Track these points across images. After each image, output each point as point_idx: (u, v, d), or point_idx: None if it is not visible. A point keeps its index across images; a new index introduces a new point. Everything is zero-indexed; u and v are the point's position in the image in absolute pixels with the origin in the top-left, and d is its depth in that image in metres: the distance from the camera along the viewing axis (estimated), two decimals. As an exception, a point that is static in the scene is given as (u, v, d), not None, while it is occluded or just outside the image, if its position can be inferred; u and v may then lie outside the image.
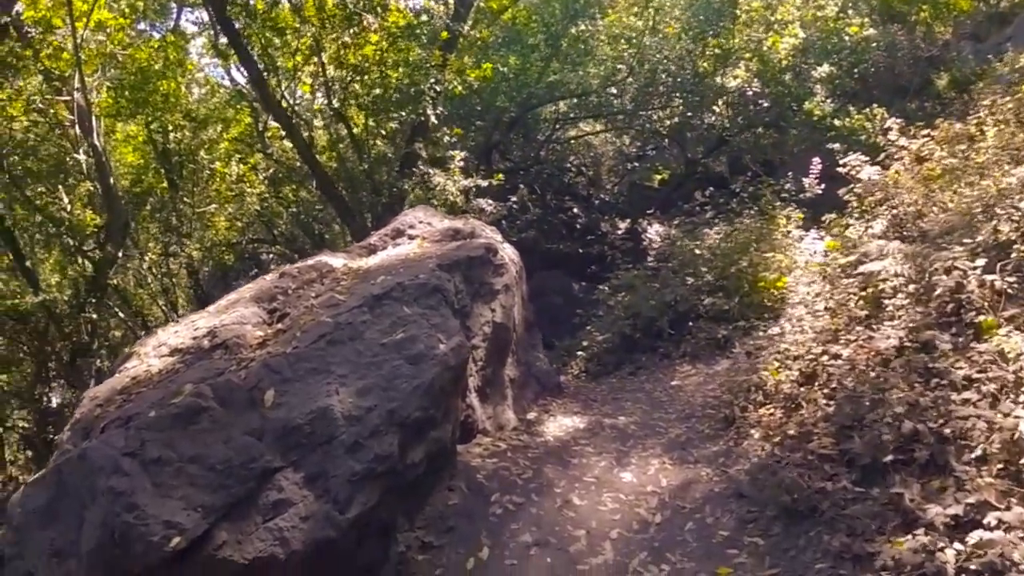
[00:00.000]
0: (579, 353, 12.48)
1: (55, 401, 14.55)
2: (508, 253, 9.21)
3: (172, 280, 16.32)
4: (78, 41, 13.03)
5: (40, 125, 14.36)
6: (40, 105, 13.87)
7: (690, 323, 11.24)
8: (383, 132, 14.82)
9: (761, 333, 9.91)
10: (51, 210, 14.81)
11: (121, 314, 15.49)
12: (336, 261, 8.29)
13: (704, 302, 11.25)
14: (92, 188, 14.85)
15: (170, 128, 16.00)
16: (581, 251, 17.90)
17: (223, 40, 14.76)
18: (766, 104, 16.99)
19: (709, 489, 6.49)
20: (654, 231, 16.44)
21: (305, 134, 14.36)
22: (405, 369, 6.33)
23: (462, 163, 13.72)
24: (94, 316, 13.96)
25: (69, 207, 14.86)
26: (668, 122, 18.28)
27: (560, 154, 19.44)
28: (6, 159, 13.83)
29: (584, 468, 7.38)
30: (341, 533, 5.43)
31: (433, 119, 13.39)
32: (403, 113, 13.60)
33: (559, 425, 8.72)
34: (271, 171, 17.16)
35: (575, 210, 18.24)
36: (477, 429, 7.82)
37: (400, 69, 13.49)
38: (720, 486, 6.47)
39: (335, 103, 13.93)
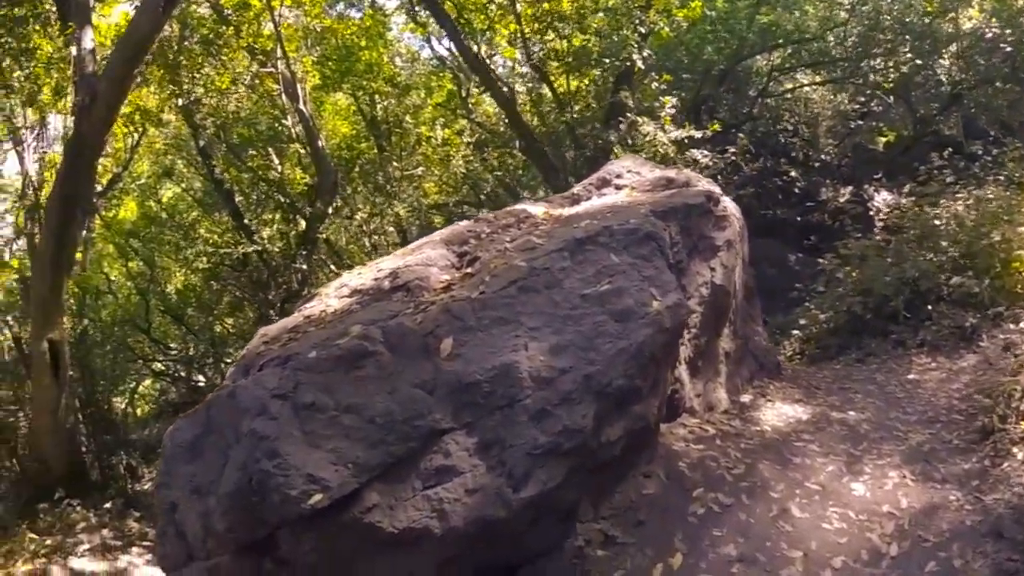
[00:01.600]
0: (794, 332, 10.73)
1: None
2: (730, 206, 7.72)
3: (382, 238, 16.06)
4: (276, 18, 13.12)
5: (250, 97, 14.75)
6: (248, 79, 14.23)
7: (929, 306, 9.30)
8: (584, 84, 13.56)
9: (1015, 325, 8.16)
10: (265, 172, 15.16)
11: (333, 267, 15.44)
12: (535, 209, 7.19)
13: (949, 282, 9.27)
14: (302, 151, 14.98)
15: (376, 96, 15.70)
16: (799, 218, 15.73)
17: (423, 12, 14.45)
18: (1007, 48, 14.12)
19: (959, 520, 4.99)
20: (881, 199, 14.12)
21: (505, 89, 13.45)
22: (610, 327, 5.15)
23: (673, 110, 12.15)
24: (304, 267, 14.14)
25: (280, 168, 14.95)
26: (893, 74, 15.64)
27: (774, 111, 17.16)
28: (223, 130, 14.44)
29: (807, 471, 5.93)
30: (511, 514, 4.47)
31: (640, 64, 11.90)
32: (606, 61, 12.24)
33: (777, 413, 7.23)
34: (475, 136, 16.47)
35: (792, 173, 15.98)
36: (683, 407, 6.51)
37: (600, 15, 12.30)
38: (973, 518, 4.96)
39: (534, 59, 13.02)
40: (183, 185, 17.77)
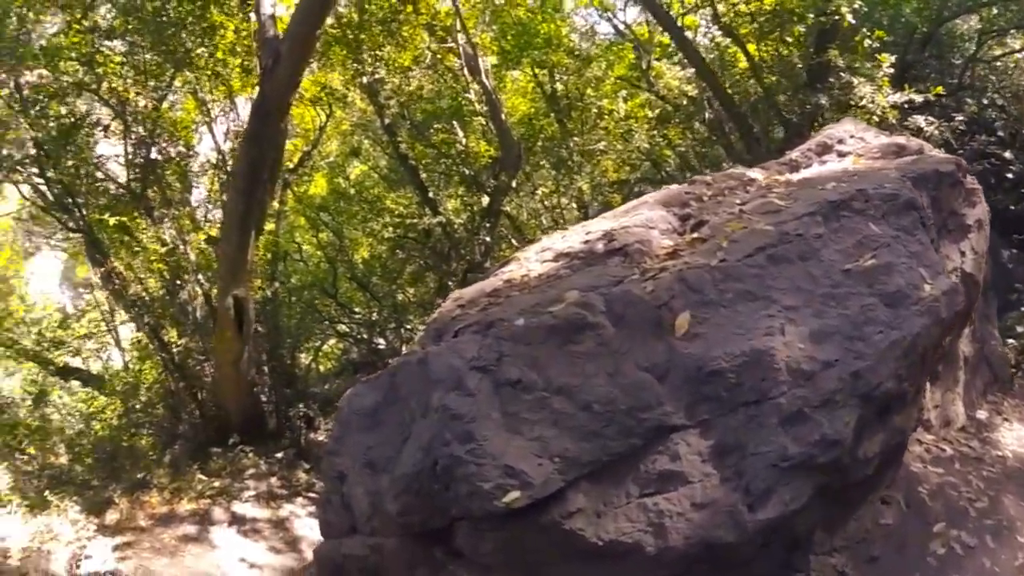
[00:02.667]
0: (1009, 340, 8.80)
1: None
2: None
3: (562, 213, 15.19)
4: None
5: (432, 75, 14.25)
6: (428, 56, 13.70)
7: None
8: (780, 47, 11.93)
9: None
10: (448, 147, 14.67)
11: (514, 241, 14.76)
12: (755, 173, 5.94)
13: None
14: (484, 124, 14.41)
15: (555, 70, 14.89)
16: (1012, 208, 13.06)
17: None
18: None
19: None
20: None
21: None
22: (880, 313, 4.00)
23: (892, 70, 10.29)
24: (487, 239, 13.61)
25: (464, 141, 14.44)
26: None
27: (983, 81, 14.28)
28: (407, 108, 14.12)
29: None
30: (742, 538, 3.51)
31: (849, 17, 10.04)
32: (809, 17, 10.65)
33: (1018, 437, 5.83)
34: (657, 111, 15.17)
35: (1007, 155, 13.18)
36: (919, 419, 5.19)
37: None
38: None
39: (724, 20, 11.74)
40: (369, 163, 17.74)
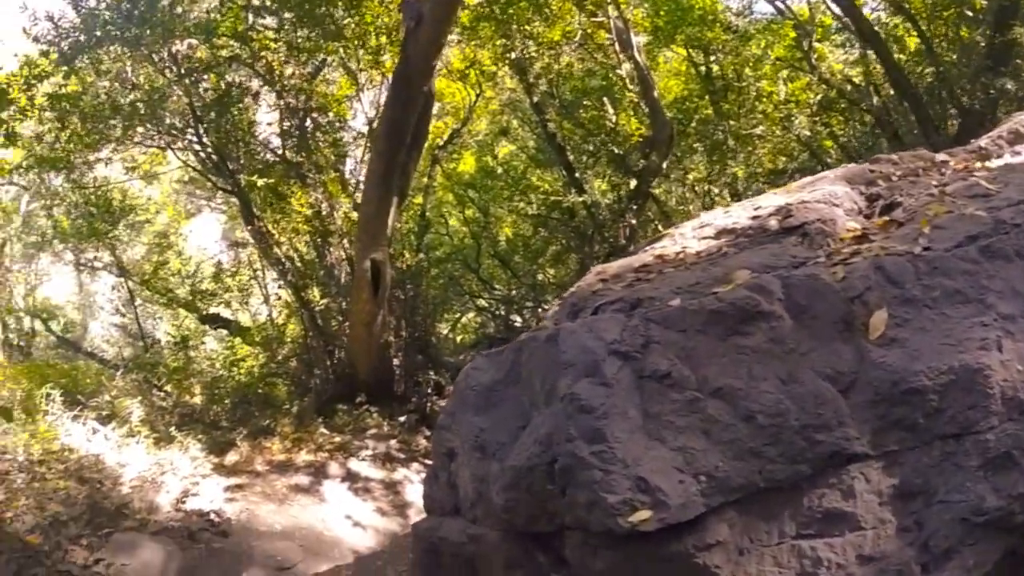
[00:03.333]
0: None
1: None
2: None
3: (713, 201, 14.13)
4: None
5: (581, 52, 13.49)
6: (578, 33, 12.82)
7: None
8: (960, 22, 10.37)
9: None
10: (597, 126, 13.85)
11: (660, 227, 13.86)
12: (943, 157, 4.89)
13: None
14: (635, 101, 13.38)
15: (711, 48, 13.71)
16: None
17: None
18: None
19: None
20: None
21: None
22: None
23: None
24: (632, 222, 12.81)
25: (615, 119, 13.59)
26: None
27: None
28: (556, 86, 13.51)
29: None
30: None
31: None
32: None
33: None
34: (819, 96, 13.72)
35: None
36: None
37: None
38: None
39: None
40: (517, 143, 17.29)
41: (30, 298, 17.08)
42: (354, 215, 10.90)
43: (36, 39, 9.53)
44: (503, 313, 17.18)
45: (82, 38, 9.48)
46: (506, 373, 3.57)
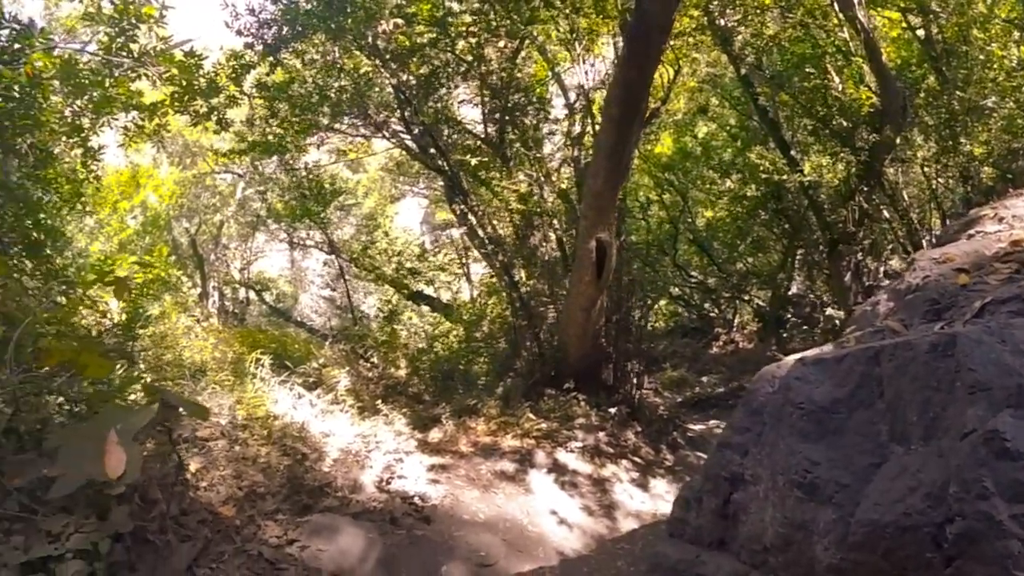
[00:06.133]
0: None
1: (793, 288, 12.75)
2: None
3: (945, 184, 11.84)
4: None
5: (792, 16, 11.31)
6: None
7: None
8: None
9: None
10: (815, 97, 11.79)
11: (885, 212, 11.78)
12: None
13: None
14: (859, 69, 11.56)
15: (929, 8, 11.25)
16: None
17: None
18: None
19: None
20: None
21: None
22: None
23: None
24: (864, 205, 10.89)
25: (841, 88, 11.64)
26: None
27: None
28: (764, 55, 11.71)
29: None
30: None
31: None
32: None
33: None
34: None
35: None
36: None
37: None
38: None
39: None
40: (718, 121, 15.60)
41: (245, 272, 17.84)
42: (560, 197, 10.28)
43: (239, 32, 9.38)
44: (698, 301, 16.17)
45: (284, 30, 9.26)
46: (852, 390, 2.41)
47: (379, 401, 7.94)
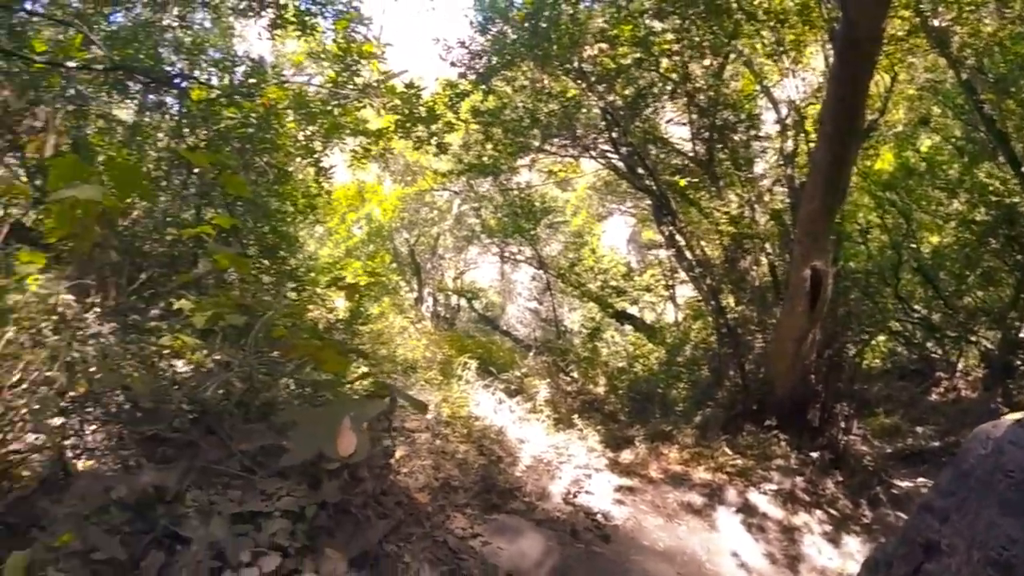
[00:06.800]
0: None
1: (1025, 333, 11.08)
2: None
3: None
4: None
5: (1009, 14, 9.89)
6: None
7: None
8: None
9: None
10: None
11: None
12: None
13: None
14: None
15: None
16: None
17: None
18: None
19: None
20: None
21: None
22: None
23: None
24: None
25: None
26: None
27: None
28: (986, 56, 10.28)
29: None
30: None
31: None
32: None
33: None
34: None
35: None
36: None
37: None
38: None
39: None
40: (942, 132, 13.89)
41: (458, 280, 18.87)
42: (773, 219, 9.79)
43: (452, 64, 10.14)
44: (920, 340, 14.42)
45: (494, 59, 9.81)
46: None
47: (575, 415, 8.05)
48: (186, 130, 7.60)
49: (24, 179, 6.26)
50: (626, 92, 10.05)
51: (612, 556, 5.52)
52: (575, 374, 10.26)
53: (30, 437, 3.46)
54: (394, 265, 15.84)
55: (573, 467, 6.64)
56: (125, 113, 8.98)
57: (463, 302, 18.22)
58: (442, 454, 5.52)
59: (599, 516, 6.01)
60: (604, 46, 9.50)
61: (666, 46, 9.47)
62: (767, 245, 9.77)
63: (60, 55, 7.28)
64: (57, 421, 3.54)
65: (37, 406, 3.53)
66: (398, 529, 4.03)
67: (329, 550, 3.22)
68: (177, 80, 8.06)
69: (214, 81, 8.44)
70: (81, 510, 3.04)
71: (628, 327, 13.37)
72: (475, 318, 18.15)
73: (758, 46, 9.87)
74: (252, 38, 11.54)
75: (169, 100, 8.62)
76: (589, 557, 5.36)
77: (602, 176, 14.93)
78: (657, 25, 9.51)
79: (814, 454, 8.07)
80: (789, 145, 10.07)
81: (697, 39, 9.31)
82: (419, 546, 4.08)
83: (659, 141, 10.53)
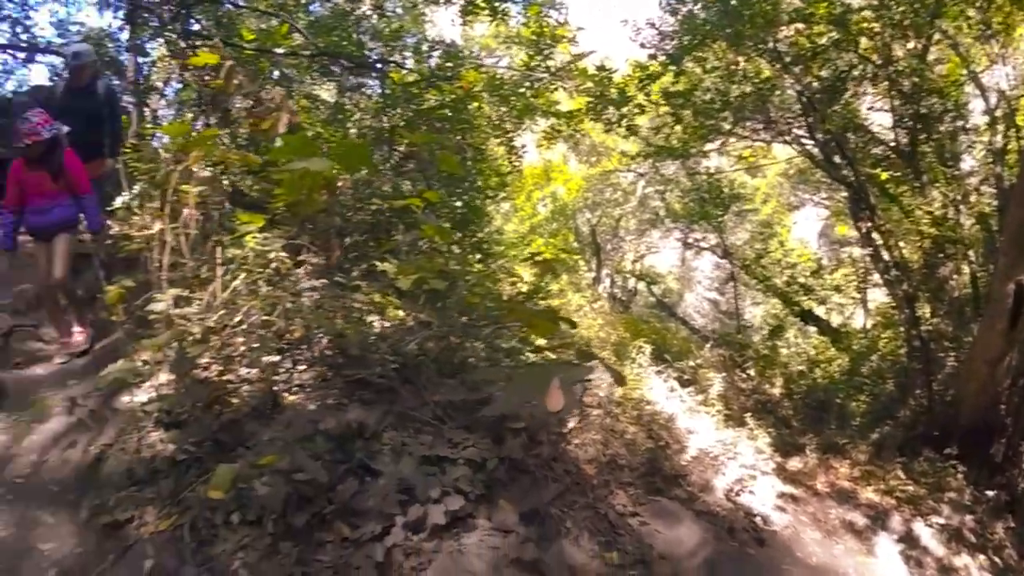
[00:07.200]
0: None
1: None
2: None
3: None
4: None
5: None
6: None
7: None
8: None
9: None
10: None
11: None
12: None
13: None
14: None
15: None
16: None
17: None
18: None
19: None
20: None
21: None
22: None
23: None
24: None
25: None
26: None
27: None
28: None
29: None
30: None
31: None
32: None
33: None
34: None
35: None
36: None
37: None
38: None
39: None
40: None
41: (637, 264, 18.74)
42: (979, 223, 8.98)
43: (642, 45, 10.16)
44: None
45: (685, 40, 9.66)
46: None
47: (747, 414, 7.89)
48: (388, 110, 8.23)
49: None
50: (822, 74, 9.57)
51: (764, 561, 5.43)
52: (751, 372, 9.98)
53: (243, 371, 4.05)
54: (575, 244, 16.09)
55: (739, 465, 6.55)
56: (327, 94, 9.89)
57: (641, 286, 18.14)
58: (612, 432, 5.68)
59: (758, 518, 5.91)
60: (800, 26, 9.08)
61: (864, 24, 8.88)
62: (970, 252, 8.98)
63: (267, 43, 8.20)
64: (270, 359, 4.11)
65: (256, 344, 4.12)
66: (564, 495, 4.25)
67: (503, 501, 3.51)
68: (378, 64, 8.79)
69: (411, 65, 9.09)
70: (287, 436, 3.55)
71: (812, 329, 12.76)
72: (652, 303, 18.02)
73: (964, 27, 9.06)
74: (441, 23, 12.23)
75: (367, 82, 9.44)
76: (741, 557, 5.30)
77: (795, 163, 14.24)
78: (855, 2, 8.98)
79: (990, 492, 7.31)
80: (999, 140, 9.15)
81: (898, 17, 8.64)
82: (581, 515, 4.26)
83: (859, 129, 9.84)
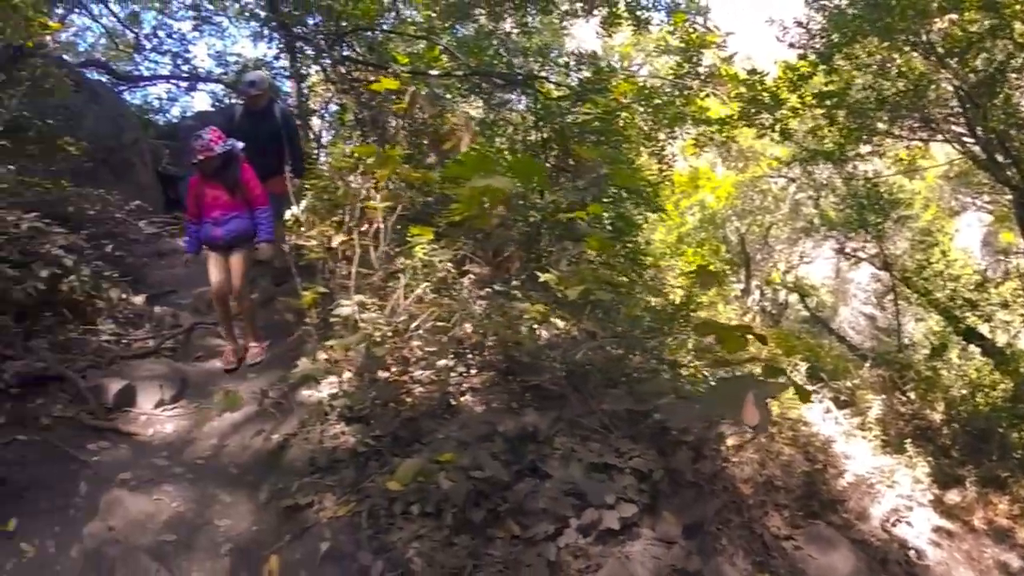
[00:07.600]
0: None
1: None
2: None
3: None
4: None
5: None
6: None
7: None
8: None
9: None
10: None
11: None
12: None
13: None
14: None
15: None
16: None
17: None
18: None
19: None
20: None
21: None
22: None
23: None
24: None
25: None
26: None
27: None
28: None
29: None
30: None
31: None
32: None
33: None
34: None
35: None
36: None
37: None
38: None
39: None
40: None
41: (789, 275, 18.01)
42: None
43: (791, 45, 9.97)
44: None
45: (834, 37, 9.36)
46: None
47: (907, 440, 7.54)
48: (540, 124, 8.45)
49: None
50: (977, 64, 8.98)
51: (914, 597, 5.26)
52: (912, 395, 9.46)
53: (418, 373, 4.37)
54: (724, 254, 15.72)
55: (896, 495, 6.37)
56: (475, 111, 10.29)
57: (792, 298, 17.46)
58: (768, 452, 5.68)
59: (912, 552, 5.76)
60: (953, 16, 8.53)
61: (1019, 7, 8.26)
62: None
63: (420, 64, 8.62)
64: (444, 363, 4.41)
65: (432, 349, 4.45)
66: (720, 512, 4.31)
67: (667, 513, 3.63)
68: (527, 80, 9.05)
69: (556, 78, 9.29)
70: (463, 436, 3.80)
71: (975, 348, 11.84)
72: (804, 317, 17.30)
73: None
74: (581, 35, 12.33)
75: (512, 98, 9.74)
76: (890, 588, 5.16)
77: (956, 164, 13.29)
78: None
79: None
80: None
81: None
82: (736, 533, 4.29)
83: (1023, 125, 9.14)
